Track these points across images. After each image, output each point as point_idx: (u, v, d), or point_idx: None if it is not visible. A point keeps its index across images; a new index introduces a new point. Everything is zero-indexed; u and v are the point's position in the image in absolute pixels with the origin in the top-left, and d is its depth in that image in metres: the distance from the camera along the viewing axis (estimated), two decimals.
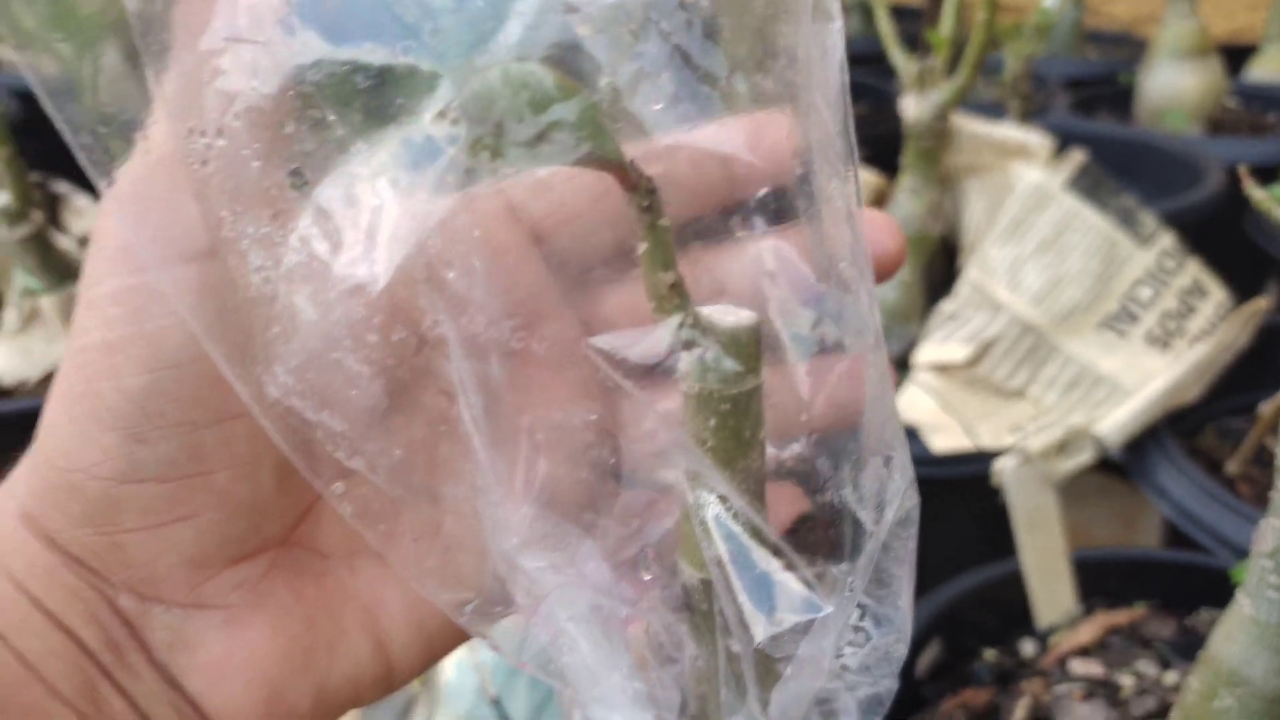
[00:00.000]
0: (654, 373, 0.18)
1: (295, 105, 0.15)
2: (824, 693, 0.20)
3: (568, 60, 0.15)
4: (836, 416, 0.19)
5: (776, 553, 0.16)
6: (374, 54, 0.15)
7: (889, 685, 0.19)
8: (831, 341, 0.20)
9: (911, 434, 0.54)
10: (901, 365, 0.61)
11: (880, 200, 0.64)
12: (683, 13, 0.16)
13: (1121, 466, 0.57)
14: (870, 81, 0.97)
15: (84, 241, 0.80)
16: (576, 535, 0.20)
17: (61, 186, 0.84)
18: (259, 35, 0.15)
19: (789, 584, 0.16)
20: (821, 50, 0.18)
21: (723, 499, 0.17)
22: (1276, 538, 0.28)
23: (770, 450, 0.19)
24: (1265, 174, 0.75)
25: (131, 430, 0.17)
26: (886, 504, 0.17)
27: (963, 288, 0.58)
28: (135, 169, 0.16)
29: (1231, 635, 0.35)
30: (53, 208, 0.74)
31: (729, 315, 0.17)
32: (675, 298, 0.16)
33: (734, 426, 0.17)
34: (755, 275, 0.20)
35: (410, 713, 0.57)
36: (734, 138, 0.18)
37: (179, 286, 0.16)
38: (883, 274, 0.21)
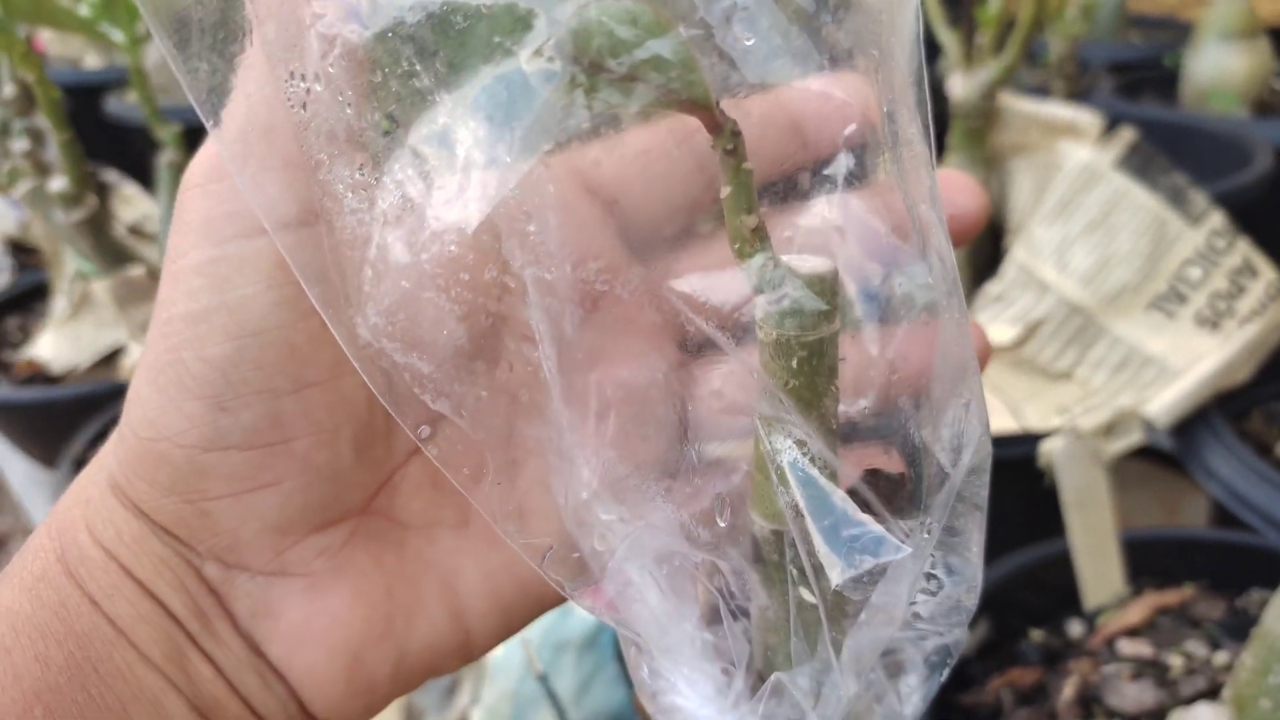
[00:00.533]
0: (728, 326, 0.19)
1: (391, 48, 0.15)
2: (891, 643, 0.20)
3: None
4: (905, 372, 0.19)
5: (854, 495, 0.17)
6: None
7: (959, 636, 0.20)
8: (900, 296, 0.20)
9: None
10: None
11: None
12: None
13: (1164, 454, 0.56)
14: None
15: (133, 229, 0.82)
16: (645, 489, 0.20)
17: (110, 176, 0.86)
18: None
19: (867, 526, 0.16)
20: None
21: (800, 444, 0.17)
22: None
23: (839, 407, 0.19)
24: None
25: (215, 398, 0.18)
26: (964, 447, 0.17)
27: (1009, 268, 0.58)
28: (236, 109, 0.16)
29: None
30: (101, 197, 0.76)
31: (806, 263, 0.17)
32: (757, 240, 0.17)
33: (810, 372, 0.17)
34: (824, 231, 0.21)
35: (457, 689, 0.57)
36: (818, 81, 0.18)
37: (283, 240, 0.16)
38: (964, 236, 0.21)
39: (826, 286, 0.16)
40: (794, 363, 0.17)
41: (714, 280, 0.18)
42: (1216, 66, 0.89)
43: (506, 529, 0.18)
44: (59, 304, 0.81)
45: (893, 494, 0.18)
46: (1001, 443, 0.53)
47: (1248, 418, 0.58)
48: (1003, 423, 0.53)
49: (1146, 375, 0.55)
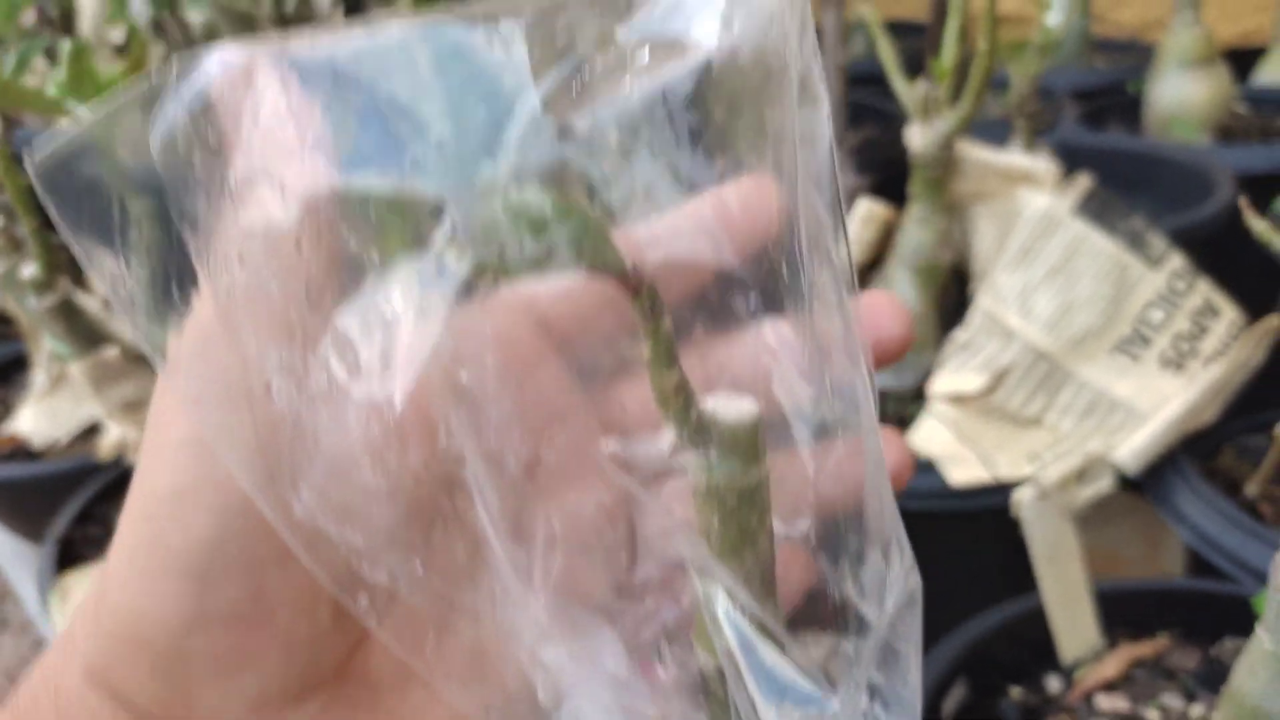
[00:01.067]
0: (659, 474, 0.19)
1: (311, 234, 0.16)
2: None
3: (566, 174, 0.16)
4: (841, 492, 0.20)
5: (782, 648, 0.17)
6: (382, 184, 0.15)
7: None
8: (834, 418, 0.20)
9: (930, 467, 0.55)
10: (918, 397, 0.61)
11: (889, 231, 0.64)
12: (670, 129, 0.17)
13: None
14: (877, 104, 0.98)
15: (108, 303, 0.82)
16: (594, 622, 0.20)
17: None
18: (276, 171, 0.15)
19: (796, 679, 0.17)
20: (810, 135, 0.18)
21: (729, 593, 0.17)
22: None
23: (779, 528, 0.19)
24: (1277, 182, 0.74)
25: (200, 576, 0.18)
26: (887, 593, 0.18)
27: (975, 316, 0.58)
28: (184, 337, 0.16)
29: (1254, 670, 0.34)
30: (77, 270, 0.76)
31: (730, 408, 0.18)
32: (680, 397, 0.17)
33: (741, 519, 0.18)
34: (757, 351, 0.21)
35: None
36: (717, 212, 0.18)
37: (208, 424, 0.16)
38: (889, 357, 0.21)
39: (743, 445, 0.17)
40: (721, 513, 0.17)
41: (642, 439, 0.18)
42: (1177, 94, 0.91)
43: (450, 689, 0.18)
44: (38, 378, 0.81)
45: (828, 622, 0.18)
46: (975, 494, 0.53)
47: (1218, 455, 0.58)
48: (975, 473, 0.53)
49: (1114, 419, 0.56)
